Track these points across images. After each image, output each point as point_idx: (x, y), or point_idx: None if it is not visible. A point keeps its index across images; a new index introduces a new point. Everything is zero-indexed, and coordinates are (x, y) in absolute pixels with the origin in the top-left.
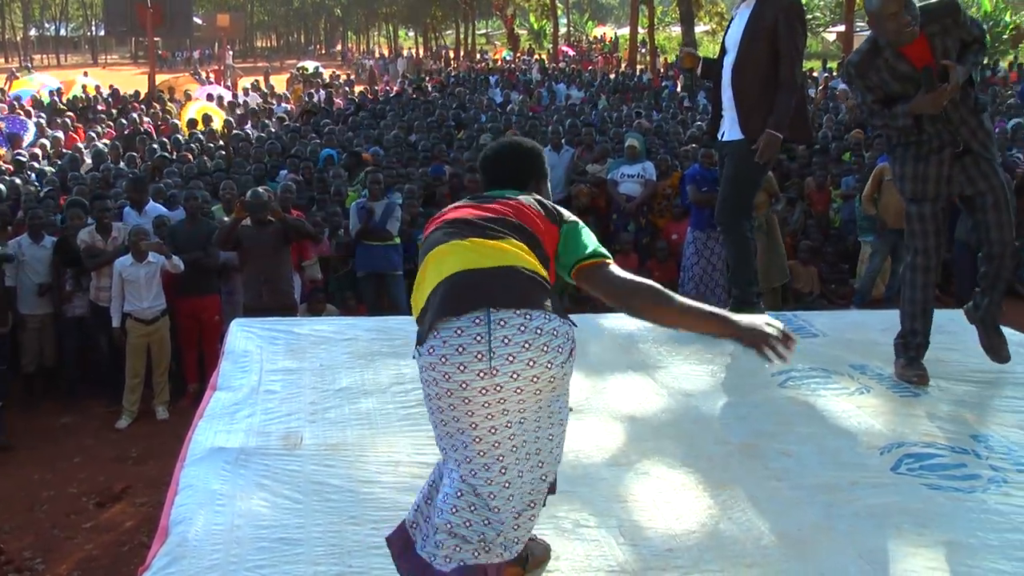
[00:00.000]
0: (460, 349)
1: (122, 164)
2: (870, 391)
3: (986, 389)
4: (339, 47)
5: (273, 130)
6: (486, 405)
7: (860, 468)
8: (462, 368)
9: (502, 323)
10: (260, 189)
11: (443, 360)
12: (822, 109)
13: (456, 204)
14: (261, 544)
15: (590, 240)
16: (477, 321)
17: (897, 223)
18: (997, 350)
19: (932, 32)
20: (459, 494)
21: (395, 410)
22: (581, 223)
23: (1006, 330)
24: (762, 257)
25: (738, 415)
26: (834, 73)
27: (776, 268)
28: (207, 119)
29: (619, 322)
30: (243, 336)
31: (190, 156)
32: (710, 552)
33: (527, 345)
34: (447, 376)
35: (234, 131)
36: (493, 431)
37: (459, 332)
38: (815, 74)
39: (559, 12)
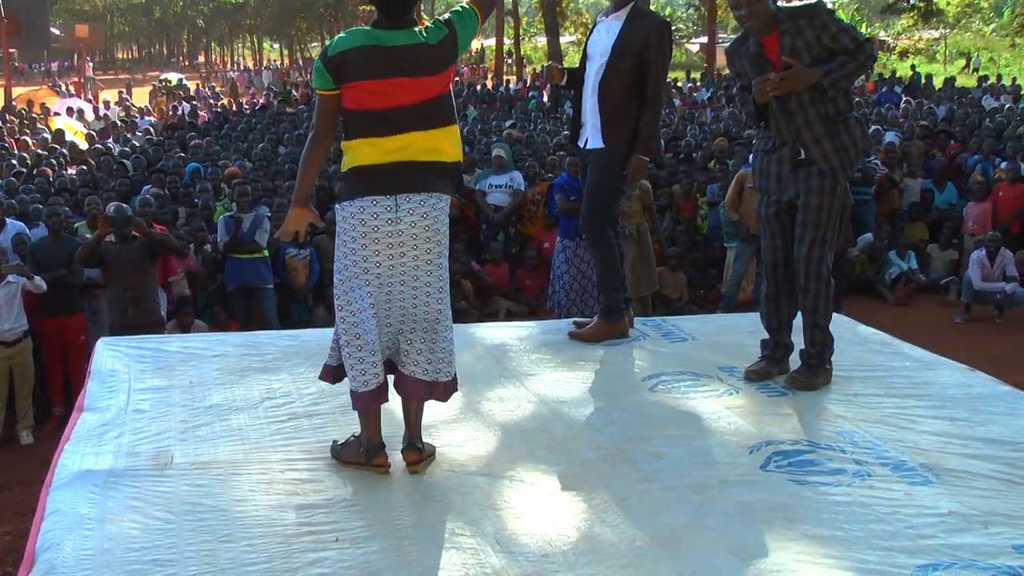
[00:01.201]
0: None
1: None
2: (739, 392)
3: (850, 386)
4: (202, 58)
5: (137, 144)
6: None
7: (730, 467)
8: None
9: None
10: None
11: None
12: (687, 119)
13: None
14: (133, 567)
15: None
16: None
17: (756, 227)
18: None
19: (784, 29)
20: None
21: (267, 425)
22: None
23: (868, 328)
24: (632, 266)
25: (609, 420)
26: (698, 83)
27: (646, 277)
28: (59, 135)
29: (490, 332)
30: (110, 355)
31: (49, 171)
32: (585, 556)
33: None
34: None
35: (96, 145)
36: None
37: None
38: (679, 84)
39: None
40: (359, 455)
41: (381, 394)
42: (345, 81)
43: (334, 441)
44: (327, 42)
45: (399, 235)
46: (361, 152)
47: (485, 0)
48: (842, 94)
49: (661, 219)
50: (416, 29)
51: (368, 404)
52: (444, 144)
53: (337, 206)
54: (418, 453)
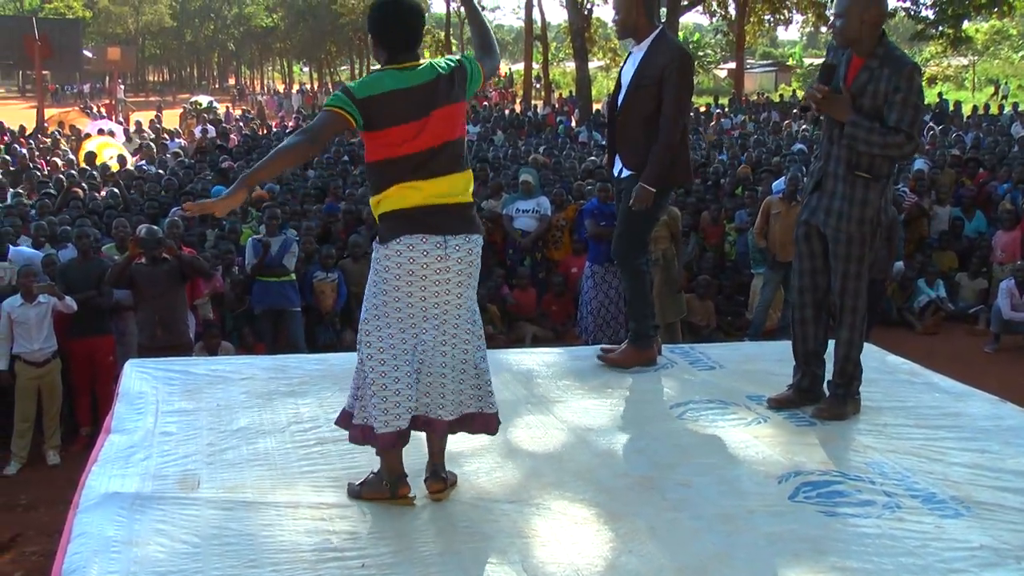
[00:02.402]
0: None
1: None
2: (767, 421)
3: (879, 417)
4: (232, 81)
5: (169, 166)
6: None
7: (758, 497)
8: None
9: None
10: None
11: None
12: (714, 145)
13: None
14: None
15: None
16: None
17: (784, 255)
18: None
19: (871, 64)
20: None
21: (294, 450)
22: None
23: (897, 358)
24: (658, 292)
25: (637, 448)
26: (725, 110)
27: (673, 303)
28: (91, 157)
29: (518, 357)
30: (138, 377)
31: (80, 192)
32: None
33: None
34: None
35: (127, 167)
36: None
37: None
38: (708, 110)
39: (453, 47)
40: (382, 489)
41: (408, 436)
42: (376, 128)
43: (349, 484)
44: (353, 81)
45: (446, 273)
46: (402, 196)
47: (490, 65)
48: (883, 159)
49: (686, 243)
50: (430, 63)
51: (395, 444)
52: (470, 186)
53: (378, 245)
54: (443, 482)
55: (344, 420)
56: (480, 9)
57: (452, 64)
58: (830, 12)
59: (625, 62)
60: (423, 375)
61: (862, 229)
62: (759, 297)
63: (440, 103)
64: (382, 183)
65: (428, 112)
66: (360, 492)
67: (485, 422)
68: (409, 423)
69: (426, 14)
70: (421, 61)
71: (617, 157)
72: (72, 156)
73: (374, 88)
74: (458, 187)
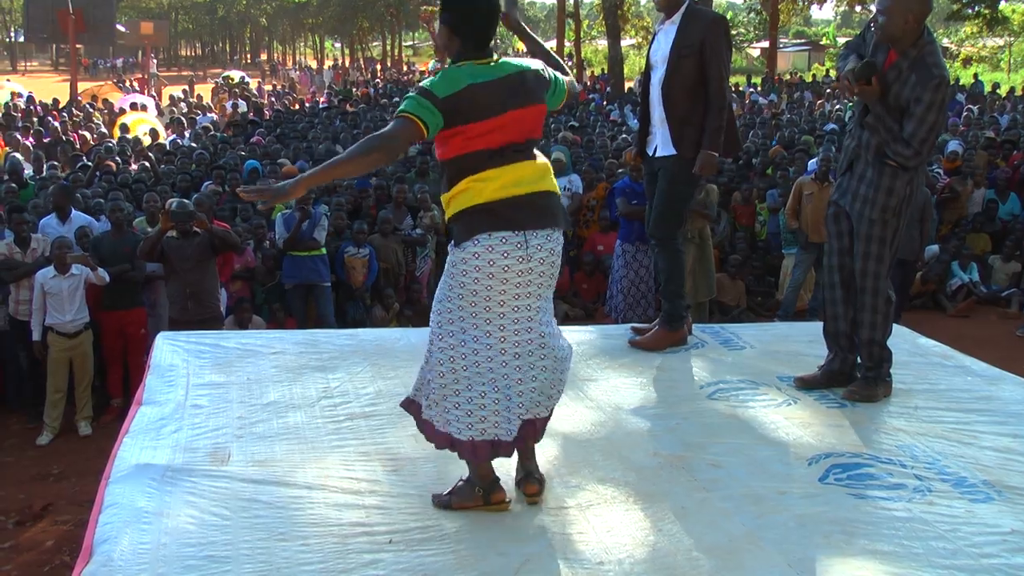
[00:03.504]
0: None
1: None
2: (798, 402)
3: (910, 399)
4: (264, 56)
5: (202, 140)
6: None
7: (788, 478)
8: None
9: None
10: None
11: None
12: (747, 124)
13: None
14: (188, 562)
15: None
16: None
17: (816, 236)
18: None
19: (903, 63)
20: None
21: (324, 424)
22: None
23: (929, 341)
24: (691, 271)
25: (667, 427)
26: (758, 88)
27: (705, 283)
28: (124, 130)
29: None
30: (169, 350)
31: (113, 165)
32: (641, 564)
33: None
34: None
35: (159, 141)
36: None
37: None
38: (740, 89)
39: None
40: (476, 496)
41: (504, 446)
42: (456, 124)
43: (434, 495)
44: (426, 80)
45: (528, 274)
46: (476, 191)
47: (573, 87)
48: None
49: (718, 221)
50: (507, 60)
51: (489, 454)
52: (549, 173)
53: (454, 247)
54: (537, 484)
55: (414, 410)
56: (539, 41)
57: (535, 67)
58: None
59: (653, 40)
60: (512, 379)
61: (884, 216)
62: (790, 278)
63: (520, 101)
64: (455, 178)
65: (506, 109)
66: (450, 502)
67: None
68: (508, 431)
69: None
70: (496, 57)
71: (651, 136)
72: (104, 130)
73: (455, 84)
74: (534, 174)
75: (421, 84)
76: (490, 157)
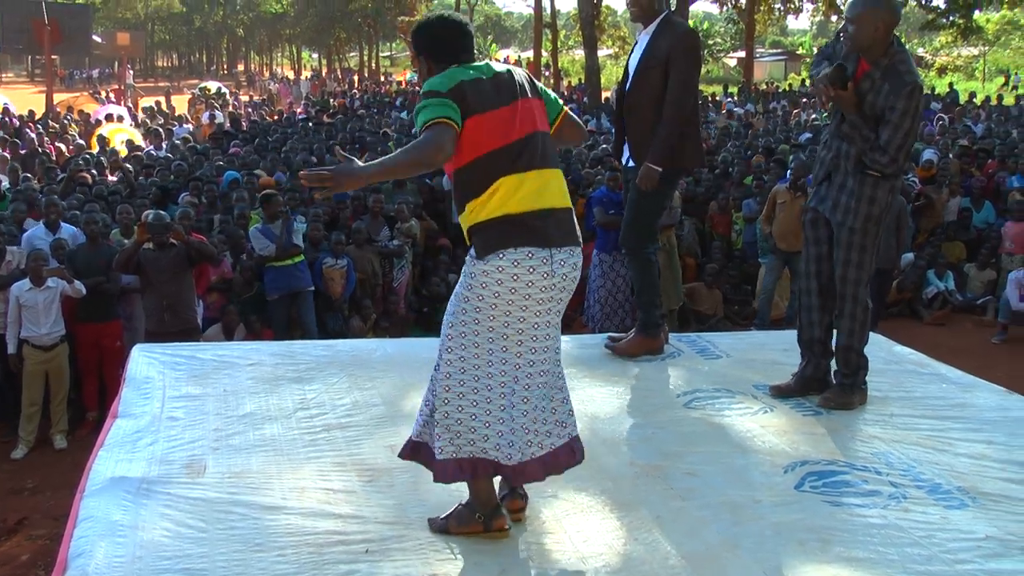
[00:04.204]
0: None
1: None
2: (773, 410)
3: (885, 407)
4: (241, 67)
5: (180, 151)
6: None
7: (764, 487)
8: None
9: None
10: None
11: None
12: (725, 134)
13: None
14: (164, 575)
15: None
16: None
17: (784, 244)
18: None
19: (875, 73)
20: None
21: (300, 436)
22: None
23: (904, 348)
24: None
25: (643, 436)
26: (735, 97)
27: (674, 290)
28: (102, 141)
29: None
30: (145, 362)
31: (88, 177)
32: (617, 573)
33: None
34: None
35: (135, 152)
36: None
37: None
38: (716, 99)
39: None
40: (474, 522)
41: (540, 471)
42: (471, 113)
43: (430, 519)
44: (427, 80)
45: (551, 291)
46: (501, 196)
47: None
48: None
49: (680, 227)
50: (489, 62)
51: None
52: (565, 186)
53: (474, 260)
54: (522, 500)
55: (425, 456)
56: None
57: (522, 71)
58: (841, 2)
59: (633, 50)
60: (529, 403)
61: (866, 225)
62: (762, 284)
63: (515, 93)
64: (473, 187)
65: (504, 101)
66: (447, 526)
67: (573, 451)
68: (509, 455)
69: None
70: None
71: (625, 146)
72: (81, 141)
73: (450, 81)
74: (558, 188)
75: (421, 93)
76: (505, 159)
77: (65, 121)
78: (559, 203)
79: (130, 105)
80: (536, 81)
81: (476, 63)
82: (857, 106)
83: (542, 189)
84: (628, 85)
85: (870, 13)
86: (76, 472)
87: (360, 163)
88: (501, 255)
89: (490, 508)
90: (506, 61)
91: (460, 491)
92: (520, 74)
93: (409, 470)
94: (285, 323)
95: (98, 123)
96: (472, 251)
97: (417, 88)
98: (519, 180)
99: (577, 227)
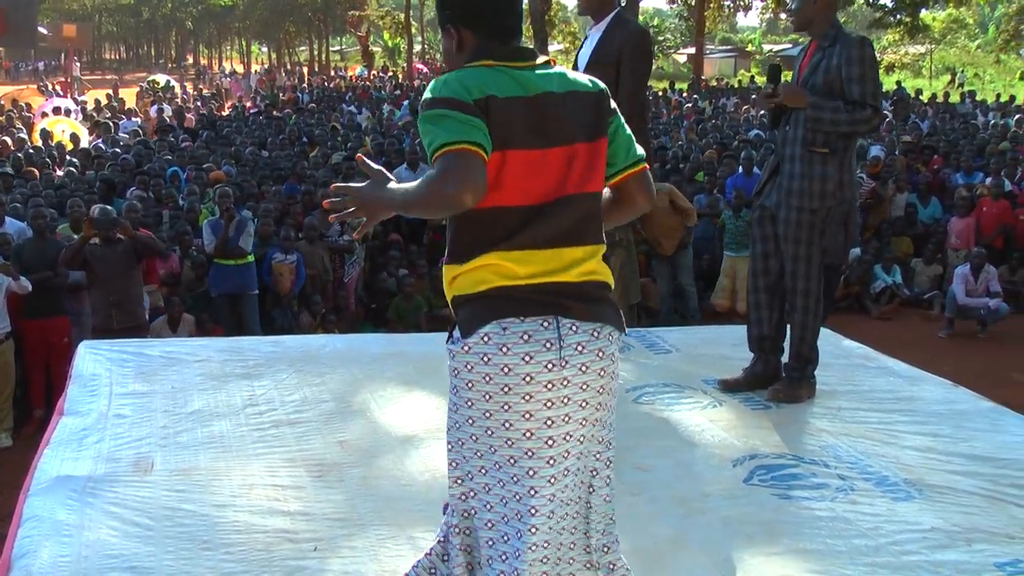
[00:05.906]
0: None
1: None
2: (722, 404)
3: (833, 400)
4: (190, 60)
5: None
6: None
7: (714, 481)
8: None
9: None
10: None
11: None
12: (674, 122)
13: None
14: (110, 574)
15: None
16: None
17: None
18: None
19: (822, 46)
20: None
21: (249, 432)
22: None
23: (852, 342)
24: (620, 275)
25: None
26: (683, 93)
27: (634, 285)
28: (45, 135)
29: None
30: (91, 359)
31: (35, 171)
32: None
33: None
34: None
35: (81, 146)
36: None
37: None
38: (666, 94)
39: (413, 30)
40: None
41: None
42: (501, 147)
43: None
44: (433, 85)
45: (562, 387)
46: (488, 274)
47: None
48: (837, 133)
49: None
50: (555, 67)
51: None
52: (600, 257)
53: (453, 345)
54: None
55: None
56: None
57: (598, 86)
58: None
59: (582, 45)
60: (540, 534)
61: (824, 203)
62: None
63: (575, 136)
64: (462, 247)
65: (560, 143)
66: None
67: None
68: None
69: None
70: (533, 62)
71: None
72: (24, 135)
73: (483, 84)
74: (580, 264)
75: (428, 98)
76: (513, 223)
77: (11, 113)
78: (581, 278)
79: (80, 97)
80: (611, 108)
81: (520, 62)
82: (802, 95)
83: (555, 268)
84: None
85: None
86: (21, 471)
87: (394, 179)
88: (485, 337)
89: None
90: None
91: (410, 485)
92: (588, 99)
93: (359, 465)
94: (230, 320)
95: (44, 115)
96: (453, 332)
97: (367, 84)
98: (523, 259)
99: (611, 306)
